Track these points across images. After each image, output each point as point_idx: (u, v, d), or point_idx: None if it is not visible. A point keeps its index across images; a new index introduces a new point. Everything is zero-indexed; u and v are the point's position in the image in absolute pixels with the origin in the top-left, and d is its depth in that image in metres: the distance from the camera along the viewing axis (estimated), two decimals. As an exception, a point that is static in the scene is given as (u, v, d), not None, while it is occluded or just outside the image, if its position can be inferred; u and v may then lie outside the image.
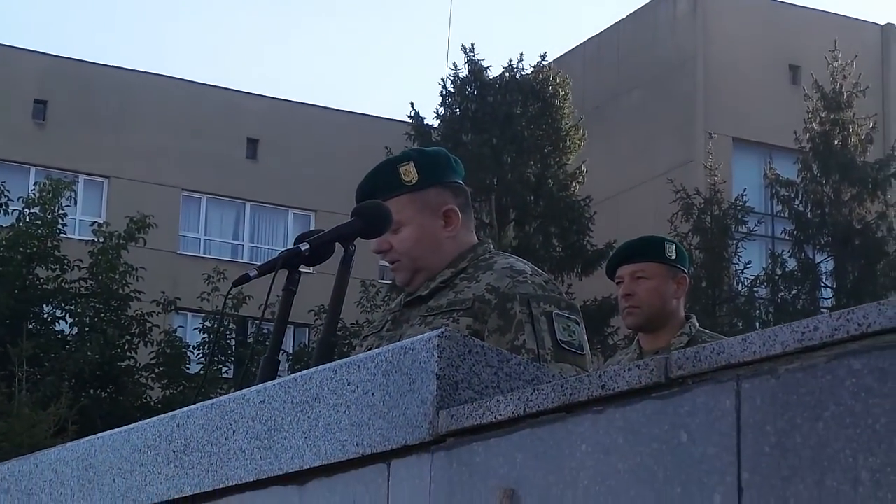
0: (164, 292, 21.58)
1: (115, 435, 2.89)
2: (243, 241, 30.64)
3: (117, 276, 20.82)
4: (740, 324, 22.14)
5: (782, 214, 24.95)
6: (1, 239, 20.39)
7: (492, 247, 3.31)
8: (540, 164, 23.80)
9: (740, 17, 28.53)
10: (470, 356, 2.14)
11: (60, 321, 21.05)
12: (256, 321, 22.22)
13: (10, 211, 20.94)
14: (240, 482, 2.48)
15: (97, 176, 28.70)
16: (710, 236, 22.86)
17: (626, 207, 27.29)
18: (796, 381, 1.62)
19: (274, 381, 2.54)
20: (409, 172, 3.18)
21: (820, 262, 23.89)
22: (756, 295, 23.28)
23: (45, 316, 20.93)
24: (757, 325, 22.45)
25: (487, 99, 24.15)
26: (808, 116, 24.00)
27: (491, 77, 24.41)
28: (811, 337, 1.61)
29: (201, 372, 21.58)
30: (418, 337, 2.18)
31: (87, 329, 20.56)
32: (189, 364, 21.67)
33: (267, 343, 3.14)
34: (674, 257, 4.58)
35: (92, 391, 20.22)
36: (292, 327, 25.40)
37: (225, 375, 22.03)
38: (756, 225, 24.21)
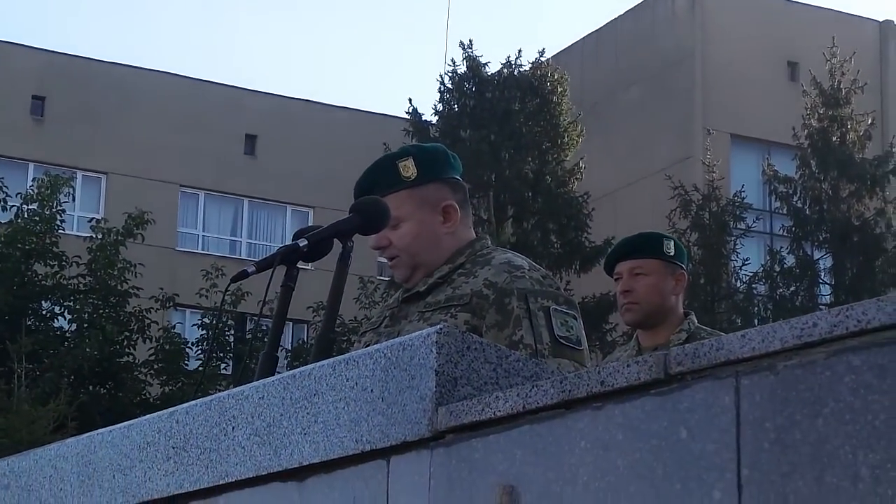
0: (162, 288, 21.58)
1: (115, 431, 2.89)
2: (241, 237, 30.64)
3: (116, 273, 20.82)
4: (739, 320, 22.15)
5: (780, 211, 24.96)
6: (-1, 235, 20.40)
7: (489, 242, 3.31)
8: (538, 160, 23.79)
9: (738, 13, 28.53)
10: (469, 352, 2.14)
11: (59, 317, 21.06)
12: (255, 317, 22.23)
13: (8, 207, 20.94)
14: (239, 478, 2.48)
15: (95, 172, 28.70)
16: (708, 233, 22.86)
17: (625, 204, 27.30)
18: (795, 378, 1.62)
19: (273, 378, 2.54)
20: (408, 168, 3.18)
21: (818, 259, 23.90)
22: (754, 291, 23.28)
23: (44, 312, 20.93)
24: (755, 321, 22.45)
25: (485, 95, 24.14)
26: (806, 113, 24.00)
27: (489, 73, 24.40)
28: (810, 333, 1.61)
29: (200, 368, 21.60)
30: (417, 333, 2.18)
31: (85, 325, 20.56)
32: (188, 360, 21.67)
33: (265, 339, 3.14)
34: (672, 254, 4.57)
35: (91, 387, 20.22)
36: (291, 323, 25.42)
37: (224, 372, 22.04)
38: (754, 221, 24.20)
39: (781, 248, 24.22)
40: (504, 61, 24.46)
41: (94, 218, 22.85)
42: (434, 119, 24.75)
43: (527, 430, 1.96)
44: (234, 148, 30.01)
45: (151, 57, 73.23)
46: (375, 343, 3.08)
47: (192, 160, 29.16)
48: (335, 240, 2.99)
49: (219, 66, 69.88)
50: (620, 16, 30.47)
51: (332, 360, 2.35)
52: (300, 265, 3.00)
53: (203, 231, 30.29)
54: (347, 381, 2.26)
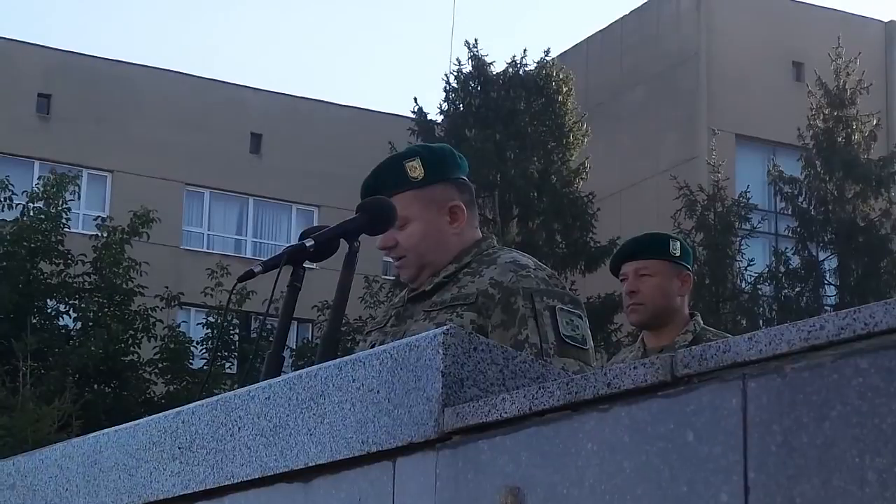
0: (167, 287, 21.58)
1: (121, 431, 2.89)
2: (246, 236, 30.65)
3: (121, 271, 20.83)
4: (744, 321, 22.13)
5: (786, 212, 24.93)
6: (5, 233, 20.40)
7: (495, 242, 3.31)
8: (543, 160, 23.78)
9: (743, 13, 28.51)
10: (475, 353, 2.14)
11: (64, 316, 21.06)
12: (260, 317, 22.24)
13: (14, 205, 20.94)
14: (245, 479, 2.48)
15: (101, 170, 28.72)
16: (713, 233, 22.84)
17: (630, 204, 27.28)
18: (802, 381, 1.62)
19: (279, 378, 2.54)
20: (416, 169, 3.18)
21: (823, 260, 23.88)
22: (759, 292, 23.26)
23: (49, 311, 20.94)
24: (760, 322, 22.43)
25: (491, 95, 24.13)
26: (811, 113, 23.97)
27: (494, 73, 24.39)
28: (817, 336, 1.61)
29: (205, 367, 21.59)
30: (423, 334, 2.18)
31: (90, 324, 20.56)
32: (192, 359, 21.67)
33: (271, 339, 3.14)
34: (678, 254, 4.57)
35: (96, 386, 20.22)
36: (296, 323, 25.42)
37: (228, 371, 22.04)
38: (759, 222, 24.18)
39: (786, 248, 24.19)
40: (509, 61, 24.47)
41: (99, 216, 22.86)
42: (439, 118, 24.75)
43: (533, 431, 1.96)
44: (239, 147, 30.01)
45: (157, 55, 73.33)
46: (381, 342, 3.09)
47: (197, 159, 29.16)
48: (342, 240, 2.99)
49: (225, 65, 69.93)
50: (625, 16, 30.46)
51: (338, 360, 2.35)
52: (306, 265, 3.00)
53: (208, 230, 30.30)
54: (353, 381, 2.26)
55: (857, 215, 23.46)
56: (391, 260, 3.30)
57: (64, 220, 20.95)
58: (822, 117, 23.85)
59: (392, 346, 2.23)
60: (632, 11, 30.33)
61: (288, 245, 3.03)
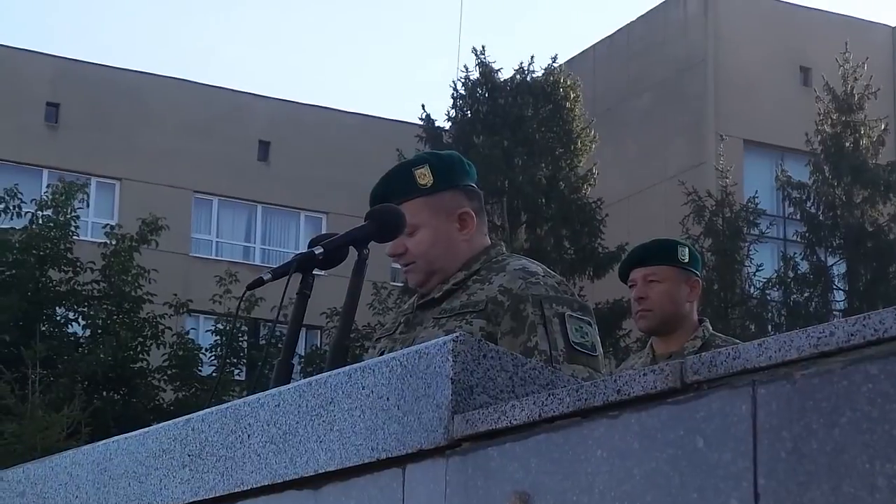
0: (176, 294, 21.60)
1: (131, 438, 2.90)
2: (255, 243, 30.68)
3: (129, 279, 20.85)
4: (752, 326, 22.11)
5: (794, 217, 24.91)
6: (14, 241, 20.43)
7: (504, 249, 3.32)
8: (551, 166, 23.79)
9: (751, 19, 28.50)
10: (485, 360, 2.14)
11: (73, 323, 21.09)
12: (270, 324, 22.25)
13: (23, 213, 20.98)
14: (255, 486, 2.48)
15: (109, 178, 28.76)
16: (721, 239, 22.82)
17: (638, 210, 27.27)
18: (812, 387, 1.62)
19: (288, 386, 2.55)
20: (425, 176, 3.19)
21: (832, 265, 23.85)
22: (768, 297, 23.24)
23: (58, 318, 20.96)
24: (769, 327, 22.41)
25: (498, 101, 24.15)
26: (819, 118, 23.95)
27: (502, 79, 24.41)
28: (827, 342, 1.61)
29: (213, 374, 21.61)
30: (433, 341, 2.18)
31: (99, 331, 20.59)
32: (201, 366, 21.69)
33: (279, 346, 3.15)
34: (686, 260, 4.57)
35: (105, 393, 20.24)
36: (304, 330, 25.40)
37: (237, 378, 22.06)
38: (768, 227, 24.17)
39: (795, 253, 24.17)
40: (517, 67, 24.48)
41: (108, 224, 22.90)
42: (447, 125, 24.77)
43: (543, 438, 1.96)
44: (247, 154, 30.05)
45: (165, 63, 73.40)
46: (390, 349, 3.09)
47: (205, 166, 29.20)
48: (351, 247, 3.00)
49: (233, 73, 70.01)
50: (633, 22, 30.46)
51: (347, 368, 2.35)
52: (315, 272, 3.00)
53: (217, 237, 30.33)
54: (363, 388, 2.27)
55: (865, 220, 23.44)
56: (399, 266, 3.30)
57: (73, 228, 20.98)
58: (829, 122, 23.84)
59: (402, 353, 2.23)
60: (639, 17, 30.34)
61: (297, 253, 3.04)
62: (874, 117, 23.88)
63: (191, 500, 2.64)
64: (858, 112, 23.82)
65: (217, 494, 2.57)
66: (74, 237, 21.20)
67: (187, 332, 22.50)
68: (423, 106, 25.41)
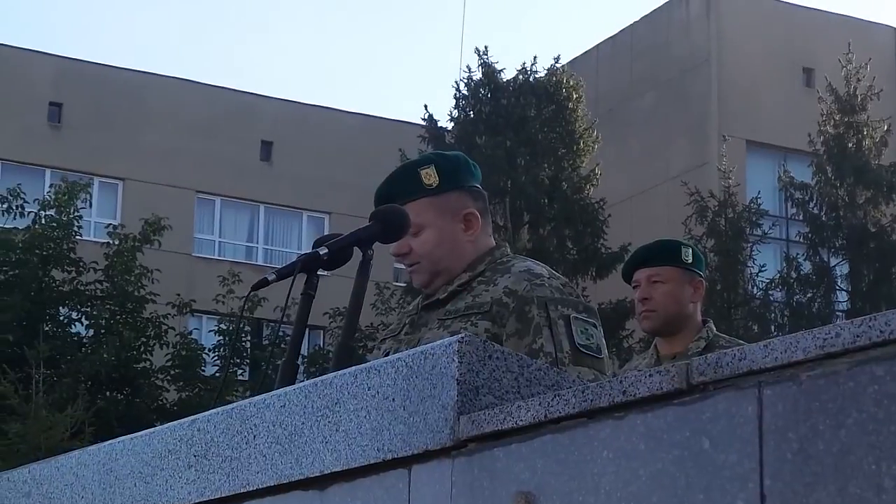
0: (179, 294, 21.61)
1: (136, 439, 2.90)
2: (258, 243, 30.68)
3: (132, 279, 20.86)
4: (755, 327, 22.10)
5: (797, 217, 24.90)
6: (17, 241, 20.44)
7: (509, 250, 3.32)
8: (554, 166, 23.79)
9: (754, 19, 28.48)
10: (490, 361, 2.14)
11: (76, 323, 21.10)
12: (274, 324, 22.26)
13: (25, 213, 21.00)
14: (260, 487, 2.48)
15: (112, 178, 28.77)
16: (724, 239, 22.82)
17: (640, 210, 27.27)
18: (818, 388, 1.63)
19: (294, 386, 2.55)
20: (430, 176, 3.19)
21: (835, 266, 23.84)
22: (771, 298, 23.23)
23: (61, 318, 20.98)
24: (772, 328, 22.40)
25: (501, 102, 24.14)
26: (822, 119, 23.94)
27: (504, 80, 24.41)
28: (833, 343, 1.61)
29: (217, 375, 21.62)
30: (439, 342, 2.19)
31: (102, 331, 20.60)
32: (204, 366, 21.71)
33: (282, 346, 3.15)
34: (690, 261, 4.58)
35: (108, 393, 20.26)
36: (307, 330, 25.38)
37: (240, 378, 22.07)
38: (770, 228, 24.15)
39: (798, 254, 24.16)
40: (519, 68, 24.47)
41: (110, 224, 22.91)
42: (450, 125, 24.76)
43: (549, 439, 1.96)
44: (250, 154, 30.06)
45: (168, 63, 73.40)
46: (395, 350, 3.09)
47: (208, 166, 29.21)
48: (355, 248, 3.00)
49: (235, 73, 70.01)
50: (636, 22, 30.45)
51: (353, 368, 2.36)
52: (320, 273, 3.01)
53: (219, 237, 30.34)
54: (369, 389, 2.27)
55: (868, 221, 23.43)
56: (404, 266, 3.31)
57: (75, 228, 21.00)
58: (832, 123, 23.83)
59: (407, 353, 2.23)
60: (642, 18, 30.32)
61: (301, 253, 3.04)
62: (877, 118, 23.87)
63: (196, 501, 2.65)
64: (861, 113, 23.81)
65: (223, 495, 2.58)
66: (77, 237, 21.21)
67: (190, 333, 22.51)
68: (425, 106, 25.40)
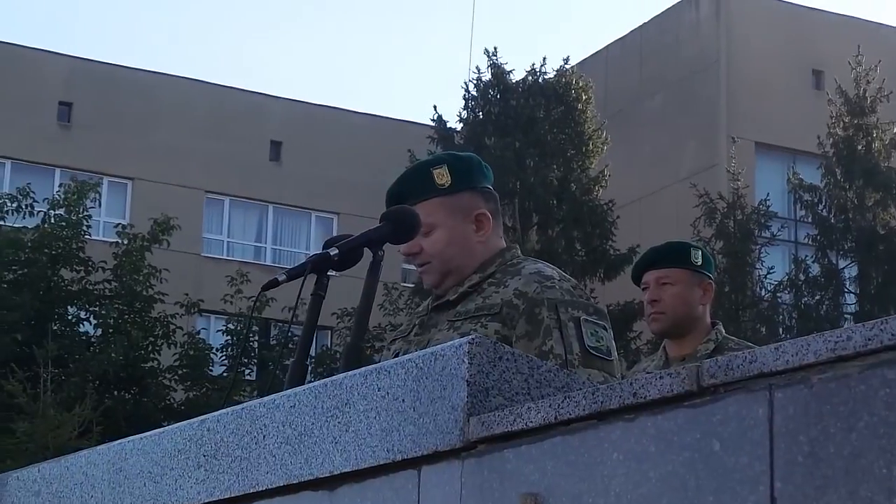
0: (187, 294, 21.64)
1: (146, 438, 2.90)
2: (266, 243, 30.70)
3: (141, 278, 20.89)
4: (763, 329, 22.07)
5: (806, 220, 24.86)
6: (26, 240, 20.48)
7: (519, 252, 3.31)
8: (563, 168, 23.78)
9: (763, 21, 28.45)
10: (500, 363, 2.14)
11: (85, 323, 21.14)
12: (282, 324, 22.28)
13: (35, 212, 21.04)
14: (270, 487, 2.49)
15: (121, 178, 28.81)
16: (732, 241, 22.79)
17: (649, 212, 27.25)
18: (829, 391, 1.62)
19: (304, 387, 2.55)
20: (443, 176, 3.19)
21: (843, 268, 23.80)
22: (779, 300, 23.20)
23: (70, 317, 21.02)
24: (780, 330, 22.37)
25: (510, 103, 24.14)
26: (831, 121, 23.90)
27: (514, 81, 24.40)
28: (844, 346, 1.61)
29: (224, 374, 21.64)
30: (449, 343, 2.19)
31: (111, 331, 20.63)
32: (212, 366, 21.73)
33: (290, 346, 3.16)
34: (700, 263, 4.58)
35: (116, 392, 20.29)
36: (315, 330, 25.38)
37: (248, 378, 22.09)
38: (779, 230, 24.11)
39: (806, 256, 24.12)
40: (529, 69, 24.47)
41: (119, 223, 22.94)
42: (459, 126, 24.76)
43: (559, 441, 1.96)
44: (259, 154, 30.08)
45: (177, 63, 73.48)
46: (405, 351, 3.09)
47: (217, 166, 29.24)
48: (365, 249, 3.00)
49: (244, 73, 70.06)
50: (645, 23, 30.42)
51: (363, 369, 2.36)
52: (330, 273, 3.01)
53: (228, 237, 30.37)
54: (379, 390, 2.27)
55: (877, 223, 23.38)
56: (414, 266, 3.30)
57: (84, 228, 21.03)
58: (842, 125, 23.79)
59: (417, 355, 2.24)
60: (651, 19, 30.30)
61: (310, 253, 3.04)
62: (886, 120, 23.83)
63: (206, 501, 2.65)
64: (871, 115, 23.77)
65: (232, 495, 2.58)
66: (86, 236, 21.25)
67: (198, 332, 22.54)
68: (434, 107, 25.43)
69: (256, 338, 22.90)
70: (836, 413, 1.61)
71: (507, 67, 24.42)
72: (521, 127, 23.66)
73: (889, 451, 1.54)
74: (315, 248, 26.79)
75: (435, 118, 24.90)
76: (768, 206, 23.67)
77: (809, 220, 24.34)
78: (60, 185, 22.45)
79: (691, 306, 4.52)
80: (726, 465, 1.72)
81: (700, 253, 4.62)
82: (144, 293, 20.95)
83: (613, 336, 3.14)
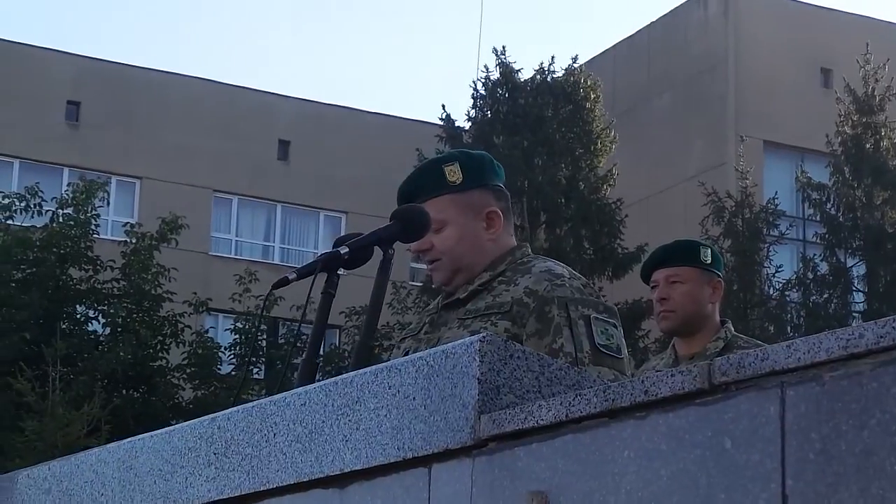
0: (195, 293, 21.66)
1: (156, 436, 2.91)
2: (274, 242, 30.71)
3: (149, 277, 20.92)
4: (771, 328, 22.05)
5: (814, 218, 24.84)
6: (35, 239, 20.52)
7: (530, 250, 3.31)
8: (571, 166, 23.78)
9: (772, 19, 28.42)
10: (511, 361, 2.14)
11: (93, 321, 21.17)
12: (290, 322, 22.29)
13: (43, 212, 21.07)
14: (280, 485, 2.49)
15: (129, 177, 28.84)
16: (741, 240, 22.77)
17: (657, 210, 27.23)
18: (841, 389, 1.62)
19: (314, 385, 2.55)
20: (454, 173, 3.19)
21: (852, 266, 23.77)
22: (787, 299, 23.17)
23: (79, 316, 21.05)
24: (788, 328, 22.35)
25: (518, 101, 24.14)
26: (839, 120, 23.87)
27: (522, 80, 24.39)
28: (856, 344, 1.61)
29: (233, 373, 21.67)
30: (459, 341, 2.19)
31: (119, 329, 20.66)
32: (220, 365, 21.75)
33: (299, 345, 3.16)
34: (709, 262, 4.58)
35: (124, 391, 20.32)
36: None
37: (256, 376, 22.10)
38: (787, 228, 24.10)
39: (815, 255, 24.10)
40: (537, 68, 24.46)
41: (127, 222, 22.97)
42: (467, 125, 24.77)
43: (570, 438, 1.96)
44: (267, 153, 30.09)
45: (185, 62, 73.57)
46: (415, 350, 3.09)
47: (225, 165, 29.26)
48: (376, 247, 3.00)
49: (252, 72, 70.13)
50: (653, 22, 30.40)
51: (374, 367, 2.36)
52: (340, 272, 3.01)
53: (236, 236, 30.39)
54: (389, 388, 2.27)
55: (885, 222, 23.35)
56: (424, 264, 3.30)
57: (93, 227, 21.07)
58: (850, 124, 23.75)
59: (428, 353, 2.24)
60: (659, 18, 30.28)
61: (320, 252, 3.05)
62: (895, 118, 23.79)
63: (216, 499, 2.65)
64: (879, 113, 23.73)
65: (242, 493, 2.58)
66: (95, 235, 21.28)
67: (206, 331, 22.57)
68: (443, 106, 25.46)
69: (264, 336, 22.91)
70: (847, 410, 1.61)
71: (516, 66, 24.44)
72: (530, 126, 23.66)
73: (901, 448, 1.54)
74: (323, 247, 26.83)
75: (443, 117, 24.90)
76: (776, 205, 23.65)
77: (818, 218, 24.31)
78: (69, 185, 22.49)
79: (701, 304, 4.52)
80: (738, 462, 1.72)
81: (709, 251, 4.62)
82: (153, 292, 20.97)
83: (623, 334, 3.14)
